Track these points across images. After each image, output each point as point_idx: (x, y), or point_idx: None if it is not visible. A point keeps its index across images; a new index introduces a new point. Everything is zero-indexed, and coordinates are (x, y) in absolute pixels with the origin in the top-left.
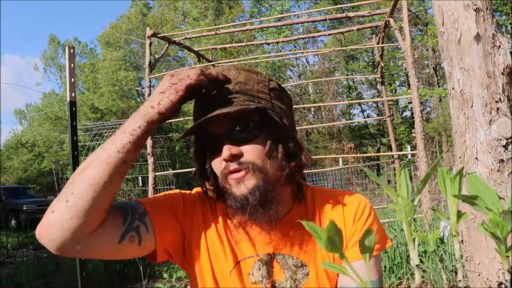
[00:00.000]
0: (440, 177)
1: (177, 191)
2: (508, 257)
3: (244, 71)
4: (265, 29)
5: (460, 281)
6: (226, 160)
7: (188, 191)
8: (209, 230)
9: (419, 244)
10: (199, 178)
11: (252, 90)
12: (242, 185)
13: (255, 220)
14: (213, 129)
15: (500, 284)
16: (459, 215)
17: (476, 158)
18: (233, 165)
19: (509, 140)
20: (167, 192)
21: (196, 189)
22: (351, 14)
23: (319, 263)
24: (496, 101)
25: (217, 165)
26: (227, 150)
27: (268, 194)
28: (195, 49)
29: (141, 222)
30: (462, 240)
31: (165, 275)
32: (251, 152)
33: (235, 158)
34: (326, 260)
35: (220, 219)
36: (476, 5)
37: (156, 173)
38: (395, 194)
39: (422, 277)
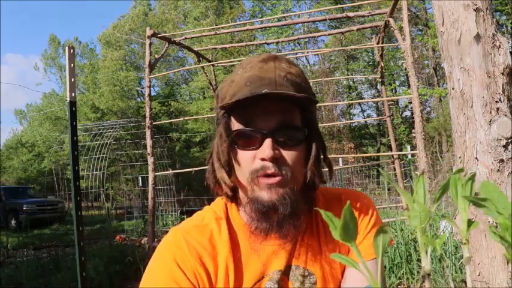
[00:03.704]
0: (452, 185)
1: (172, 265)
2: None
3: (295, 66)
4: (267, 28)
5: None
6: (265, 160)
7: (174, 243)
8: (211, 281)
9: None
10: (220, 170)
11: (300, 85)
12: (273, 191)
13: (280, 230)
14: (257, 121)
15: None
16: (469, 222)
17: (476, 158)
18: (271, 168)
19: (509, 140)
20: (171, 284)
21: (181, 233)
22: (351, 14)
23: (325, 271)
24: (496, 101)
25: (248, 160)
26: (271, 150)
27: (295, 204)
28: (195, 49)
29: None
30: (463, 245)
31: None
32: (293, 157)
33: (276, 160)
34: (332, 268)
35: (222, 252)
36: (476, 5)
37: (156, 173)
38: (411, 200)
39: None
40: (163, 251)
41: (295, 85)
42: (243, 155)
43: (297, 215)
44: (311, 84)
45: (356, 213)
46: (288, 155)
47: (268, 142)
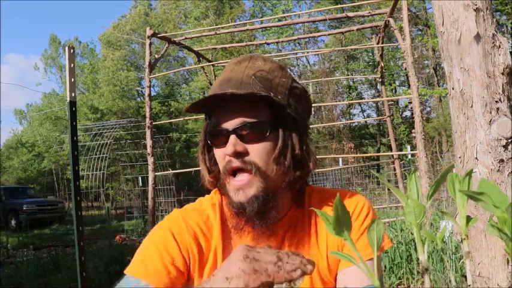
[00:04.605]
0: (449, 182)
1: (167, 234)
2: None
3: (271, 63)
4: (267, 28)
5: (469, 285)
6: (229, 155)
7: (173, 220)
8: (202, 259)
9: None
10: (203, 167)
11: (272, 80)
12: (241, 192)
13: (252, 228)
14: (222, 120)
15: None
16: (468, 219)
17: (476, 158)
18: (236, 163)
19: (509, 140)
20: (162, 249)
21: (180, 213)
22: (351, 14)
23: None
24: (496, 101)
25: (221, 157)
26: (232, 146)
27: (267, 203)
28: (195, 49)
29: None
30: (462, 240)
31: None
32: (257, 152)
33: (239, 155)
34: (320, 262)
35: (215, 235)
36: (476, 5)
37: (156, 173)
38: (405, 197)
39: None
40: (162, 225)
41: (264, 82)
42: (217, 153)
43: (268, 212)
44: (311, 84)
45: (350, 213)
46: (253, 149)
47: (231, 139)
